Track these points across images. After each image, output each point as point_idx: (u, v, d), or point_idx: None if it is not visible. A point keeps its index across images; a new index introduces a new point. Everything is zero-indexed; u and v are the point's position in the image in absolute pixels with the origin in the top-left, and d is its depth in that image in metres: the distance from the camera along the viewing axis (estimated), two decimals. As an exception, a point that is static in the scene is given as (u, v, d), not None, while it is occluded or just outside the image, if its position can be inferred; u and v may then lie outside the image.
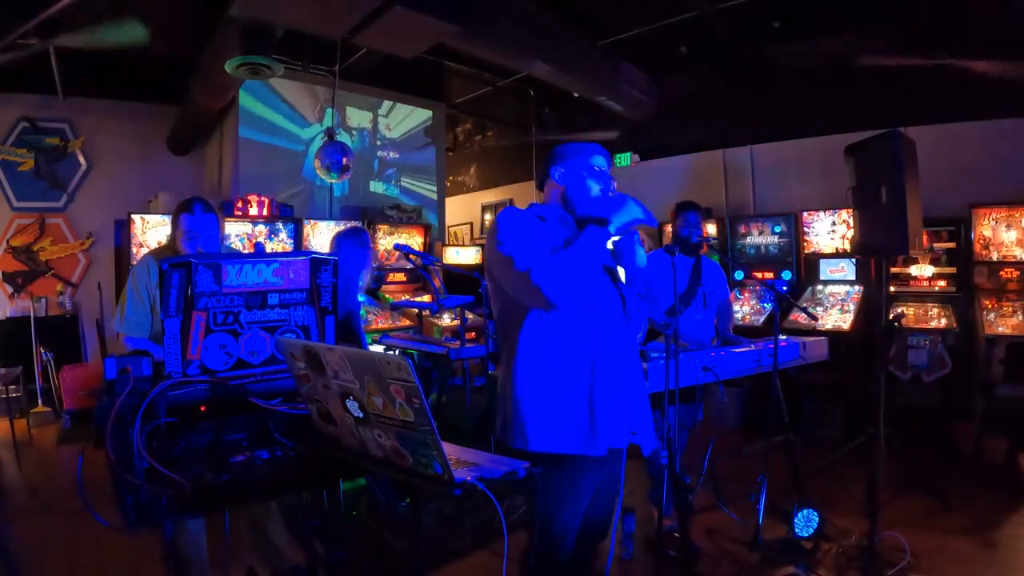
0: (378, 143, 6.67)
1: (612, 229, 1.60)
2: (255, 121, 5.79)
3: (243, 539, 2.31)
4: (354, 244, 2.87)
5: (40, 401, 5.11)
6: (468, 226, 8.79)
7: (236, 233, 4.96)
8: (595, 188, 1.70)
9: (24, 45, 3.89)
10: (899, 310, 4.37)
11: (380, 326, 5.00)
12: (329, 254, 1.59)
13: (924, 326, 4.21)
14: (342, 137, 5.88)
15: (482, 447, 1.63)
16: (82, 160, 6.05)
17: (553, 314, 1.59)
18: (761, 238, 5.31)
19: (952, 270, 4.39)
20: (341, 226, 5.52)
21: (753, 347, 2.72)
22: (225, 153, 6.17)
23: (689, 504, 2.74)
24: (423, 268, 4.34)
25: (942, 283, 4.43)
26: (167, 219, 4.85)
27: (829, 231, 4.94)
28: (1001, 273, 4.15)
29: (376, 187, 6.61)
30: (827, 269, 4.99)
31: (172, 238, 2.31)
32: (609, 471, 1.71)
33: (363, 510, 3.06)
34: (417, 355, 3.51)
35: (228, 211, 4.98)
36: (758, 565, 2.53)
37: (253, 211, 5.08)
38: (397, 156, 6.82)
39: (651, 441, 1.76)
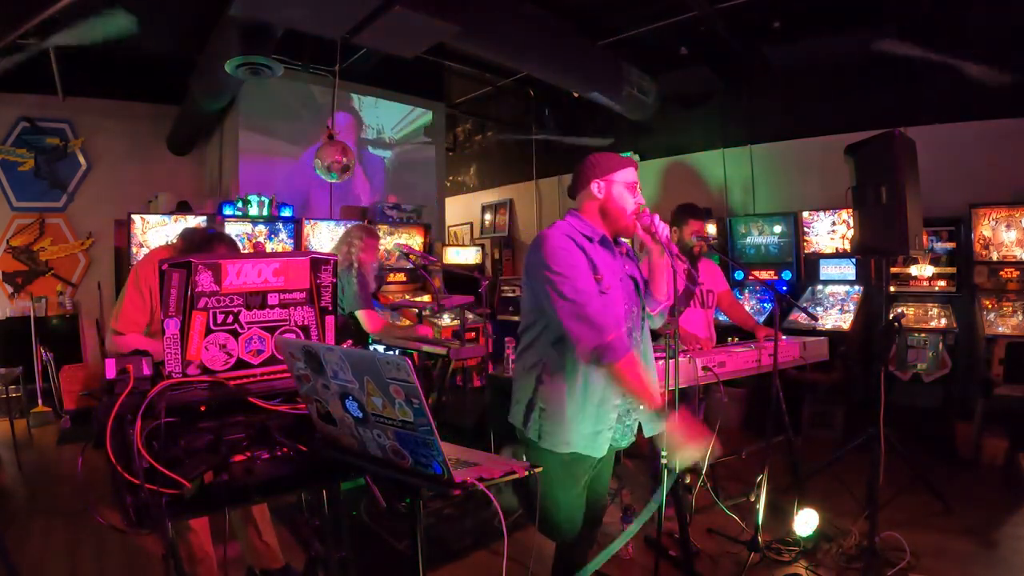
0: (378, 143, 6.67)
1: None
2: (255, 121, 5.79)
3: (237, 538, 2.32)
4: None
5: (40, 401, 5.11)
6: (468, 226, 8.78)
7: (236, 233, 4.95)
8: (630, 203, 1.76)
9: (24, 45, 3.89)
10: (899, 310, 4.37)
11: (380, 326, 4.99)
12: (330, 254, 1.59)
13: (924, 326, 4.21)
14: (342, 137, 5.88)
15: (482, 447, 1.64)
16: (82, 160, 6.05)
17: None
18: (761, 238, 5.31)
19: (952, 270, 4.39)
20: (341, 227, 5.53)
21: (753, 347, 2.72)
22: (225, 153, 6.17)
23: (689, 504, 2.74)
24: (423, 268, 4.34)
25: (942, 283, 4.43)
26: (167, 219, 4.87)
27: (829, 231, 4.94)
28: (1001, 273, 4.15)
29: (376, 187, 6.61)
30: (827, 269, 4.99)
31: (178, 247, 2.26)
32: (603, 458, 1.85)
33: (363, 510, 3.06)
34: (417, 355, 3.51)
35: (228, 211, 4.99)
36: (758, 565, 2.53)
37: (253, 211, 5.08)
38: (397, 156, 6.82)
39: (654, 428, 1.86)
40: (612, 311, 1.67)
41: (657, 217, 1.72)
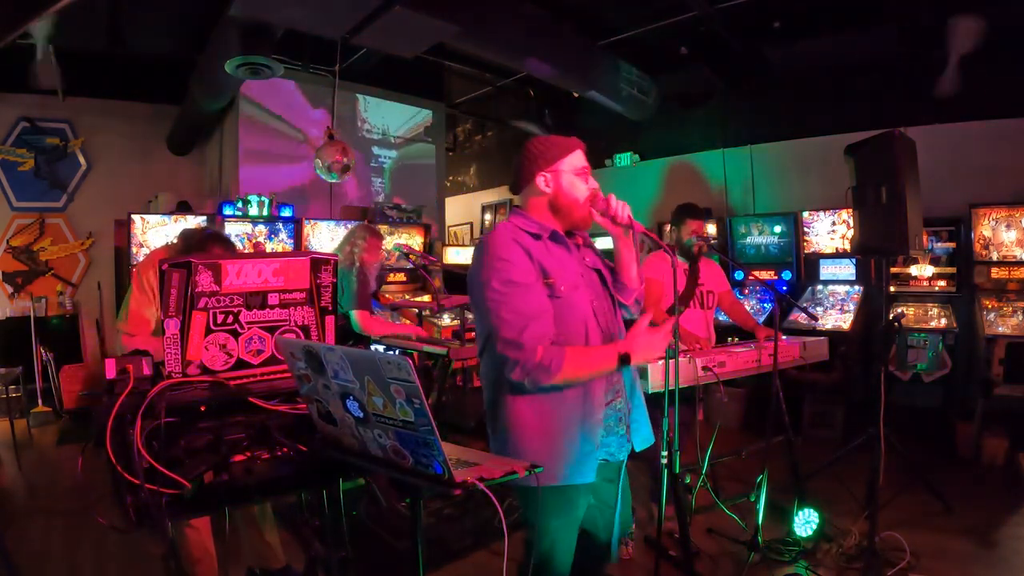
0: (378, 143, 6.67)
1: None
2: (255, 121, 5.79)
3: (239, 537, 2.32)
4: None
5: (40, 401, 5.11)
6: (468, 226, 8.79)
7: (236, 233, 4.96)
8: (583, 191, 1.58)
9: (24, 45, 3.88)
10: (899, 310, 4.37)
11: (380, 326, 4.99)
12: (330, 253, 1.59)
13: (924, 326, 4.21)
14: (342, 137, 5.88)
15: (482, 447, 1.63)
16: (82, 160, 6.05)
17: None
18: (761, 238, 5.30)
19: (952, 270, 4.39)
20: (341, 227, 5.53)
21: (753, 347, 2.72)
22: (225, 153, 6.17)
23: (689, 504, 2.74)
24: (423, 268, 4.34)
25: (942, 283, 4.43)
26: (167, 219, 4.87)
27: (829, 231, 4.94)
28: (1001, 273, 4.15)
29: (376, 187, 6.61)
30: (827, 269, 4.99)
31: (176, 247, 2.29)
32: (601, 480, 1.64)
33: (363, 510, 3.06)
34: (417, 355, 3.51)
35: (228, 211, 4.99)
36: (758, 565, 2.53)
37: (253, 211, 5.08)
38: (397, 156, 6.82)
39: (646, 438, 1.73)
40: (571, 316, 1.51)
41: (613, 198, 1.54)
